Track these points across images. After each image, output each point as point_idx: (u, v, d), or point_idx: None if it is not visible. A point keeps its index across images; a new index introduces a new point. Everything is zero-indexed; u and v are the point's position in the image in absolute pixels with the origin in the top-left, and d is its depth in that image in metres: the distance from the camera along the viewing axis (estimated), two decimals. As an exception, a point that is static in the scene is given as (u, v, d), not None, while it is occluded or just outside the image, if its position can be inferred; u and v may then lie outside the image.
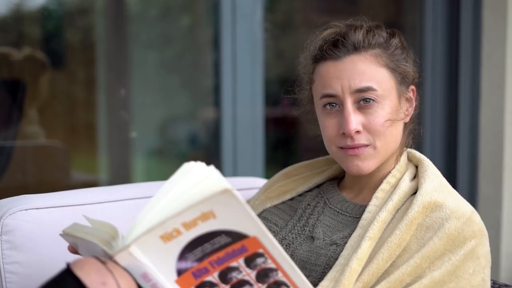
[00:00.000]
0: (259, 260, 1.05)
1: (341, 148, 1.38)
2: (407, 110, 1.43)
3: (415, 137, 1.48)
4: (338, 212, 1.43)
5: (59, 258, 1.46)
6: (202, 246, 1.03)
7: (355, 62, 1.36)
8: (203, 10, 2.94)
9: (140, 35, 2.91)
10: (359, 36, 1.37)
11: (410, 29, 3.14)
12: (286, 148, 3.42)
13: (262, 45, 2.48)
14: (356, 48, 1.36)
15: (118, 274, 1.03)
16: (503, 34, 2.68)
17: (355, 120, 1.35)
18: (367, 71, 1.35)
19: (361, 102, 1.35)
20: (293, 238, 1.42)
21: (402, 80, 1.40)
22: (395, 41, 1.41)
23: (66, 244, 1.26)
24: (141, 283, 1.05)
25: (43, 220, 1.49)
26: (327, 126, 1.39)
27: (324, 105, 1.39)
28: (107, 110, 2.84)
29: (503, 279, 2.69)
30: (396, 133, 1.40)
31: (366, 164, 1.37)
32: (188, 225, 1.01)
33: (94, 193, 1.62)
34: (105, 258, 1.05)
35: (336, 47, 1.37)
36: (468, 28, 2.79)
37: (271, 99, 2.73)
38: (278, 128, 3.23)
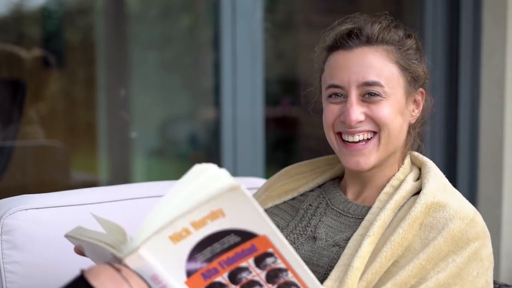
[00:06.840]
0: (269, 260, 1.04)
1: (340, 137, 1.38)
2: (414, 112, 1.42)
3: (422, 140, 1.47)
4: (341, 213, 1.43)
5: (59, 258, 1.47)
6: (211, 246, 1.02)
7: (366, 54, 1.36)
8: (203, 10, 2.94)
9: (140, 35, 2.91)
10: (374, 30, 1.37)
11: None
12: (286, 148, 3.42)
13: (262, 45, 2.48)
14: (369, 41, 1.37)
15: (133, 282, 1.01)
16: (503, 34, 2.68)
17: (357, 110, 1.34)
18: (376, 65, 1.35)
19: (366, 96, 1.35)
20: (294, 238, 1.42)
21: (412, 80, 1.39)
22: (410, 41, 1.41)
23: (66, 244, 1.26)
24: (151, 285, 1.04)
25: (43, 220, 1.49)
26: (329, 111, 1.39)
27: (330, 95, 1.39)
28: (107, 110, 2.84)
29: (503, 279, 2.69)
30: (400, 131, 1.39)
31: (367, 160, 1.37)
32: (197, 224, 1.00)
33: (94, 193, 1.62)
34: (119, 265, 1.04)
35: (350, 38, 1.37)
36: (468, 28, 2.79)
37: (271, 99, 2.73)
38: (278, 128, 3.23)
